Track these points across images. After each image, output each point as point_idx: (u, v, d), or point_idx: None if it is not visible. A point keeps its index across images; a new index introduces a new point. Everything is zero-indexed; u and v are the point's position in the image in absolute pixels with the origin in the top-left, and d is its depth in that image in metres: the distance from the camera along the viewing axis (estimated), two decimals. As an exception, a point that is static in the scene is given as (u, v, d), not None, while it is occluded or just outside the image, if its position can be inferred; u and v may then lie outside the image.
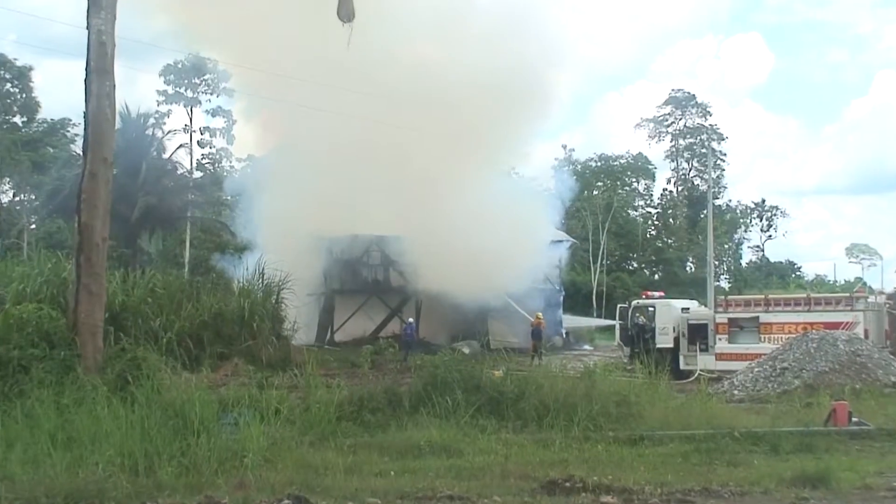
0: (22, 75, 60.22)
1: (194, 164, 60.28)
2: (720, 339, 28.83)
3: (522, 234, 38.88)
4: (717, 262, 66.94)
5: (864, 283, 56.97)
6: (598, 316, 57.04)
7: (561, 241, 46.42)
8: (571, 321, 47.14)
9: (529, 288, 40.13)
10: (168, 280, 26.80)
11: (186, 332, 23.34)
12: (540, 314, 35.85)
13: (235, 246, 42.05)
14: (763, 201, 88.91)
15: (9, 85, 60.47)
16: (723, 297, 33.46)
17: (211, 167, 62.98)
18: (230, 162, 64.60)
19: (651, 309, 31.50)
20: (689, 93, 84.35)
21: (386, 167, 38.79)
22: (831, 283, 72.22)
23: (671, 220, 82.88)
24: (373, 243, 42.24)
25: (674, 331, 30.00)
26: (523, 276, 39.26)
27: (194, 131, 60.91)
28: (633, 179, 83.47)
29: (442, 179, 38.01)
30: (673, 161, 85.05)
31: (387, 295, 42.97)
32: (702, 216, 76.66)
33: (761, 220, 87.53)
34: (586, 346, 44.96)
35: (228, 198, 48.98)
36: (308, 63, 37.34)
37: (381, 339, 38.84)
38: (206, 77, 60.03)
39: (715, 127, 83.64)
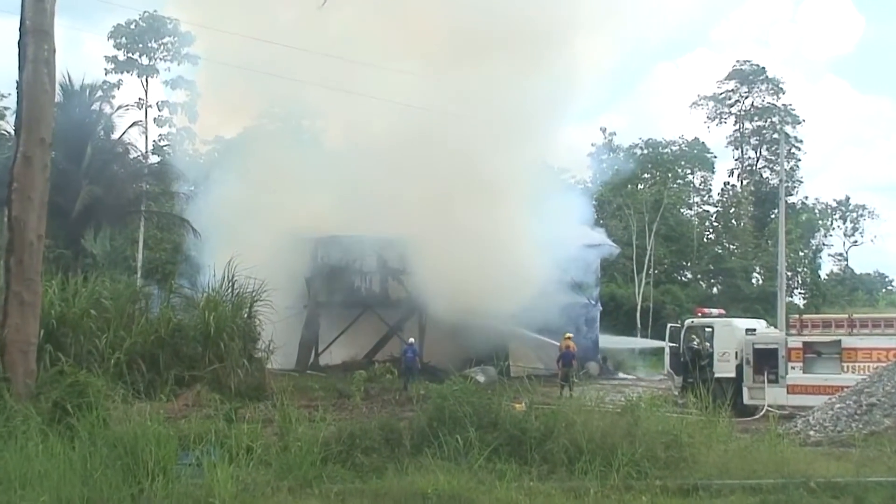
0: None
1: (150, 147, 60.60)
2: (793, 368, 28.71)
3: (550, 237, 38.90)
4: (789, 274, 66.83)
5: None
6: (643, 337, 57.00)
7: (597, 246, 46.43)
8: (610, 342, 47.12)
9: (558, 302, 40.15)
10: (117, 288, 26.95)
11: (139, 351, 23.44)
12: (570, 335, 35.84)
13: (198, 247, 42.18)
14: (847, 199, 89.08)
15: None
16: (797, 316, 33.35)
17: (170, 150, 63.14)
18: (193, 144, 64.92)
19: (708, 330, 31.41)
20: (757, 65, 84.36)
21: (386, 153, 38.93)
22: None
23: (734, 221, 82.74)
24: (368, 246, 42.32)
25: (736, 357, 29.91)
26: (551, 288, 39.29)
27: (150, 106, 61.34)
28: (688, 171, 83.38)
29: (452, 169, 38.11)
30: (737, 149, 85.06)
31: (384, 310, 43.04)
32: (772, 217, 76.53)
33: (845, 223, 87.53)
34: (628, 375, 44.91)
35: (192, 188, 49.11)
36: (291, 25, 37.58)
37: (376, 363, 38.90)
38: (164, 41, 60.36)
39: (789, 107, 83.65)
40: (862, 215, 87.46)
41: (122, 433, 12.82)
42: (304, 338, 41.75)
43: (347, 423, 16.54)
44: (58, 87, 23.70)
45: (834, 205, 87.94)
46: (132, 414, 14.62)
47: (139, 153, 52.20)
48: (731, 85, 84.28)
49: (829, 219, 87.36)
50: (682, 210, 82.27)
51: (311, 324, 42.13)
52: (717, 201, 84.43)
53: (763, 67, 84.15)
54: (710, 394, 18.88)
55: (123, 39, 59.87)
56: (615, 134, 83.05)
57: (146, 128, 59.53)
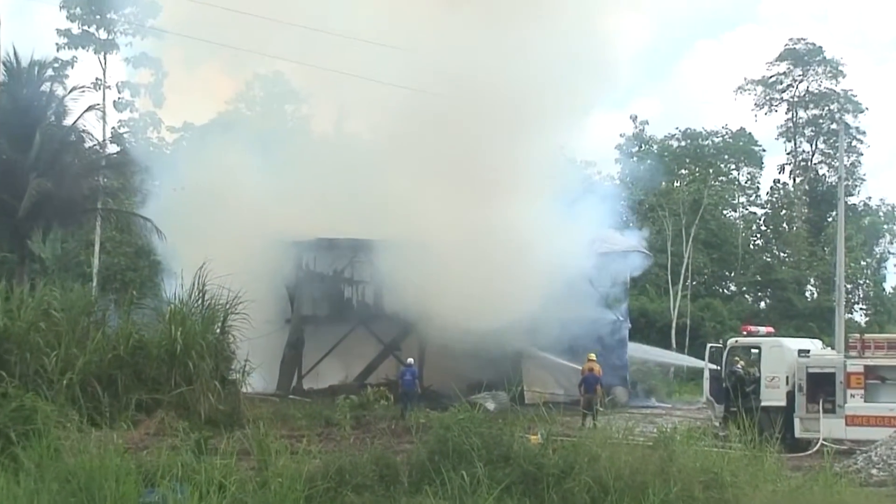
0: None
1: (108, 135, 60.59)
2: (853, 396, 28.67)
3: (571, 242, 38.93)
4: (849, 286, 66.67)
5: None
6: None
7: (627, 253, 46.42)
8: (639, 352, 47.05)
9: (580, 318, 40.18)
10: (69, 298, 26.92)
11: (94, 372, 23.45)
12: (593, 356, 35.83)
13: (164, 251, 42.28)
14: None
15: None
16: (857, 335, 33.28)
17: (132, 139, 63.21)
18: (159, 132, 65.05)
19: (754, 351, 31.45)
20: (813, 44, 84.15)
21: (382, 143, 39.02)
22: None
23: (785, 224, 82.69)
24: (361, 251, 42.37)
25: (786, 383, 29.92)
26: (572, 302, 39.33)
27: (109, 88, 61.37)
28: (732, 166, 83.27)
29: (459, 163, 38.18)
30: (789, 141, 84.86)
31: (379, 325, 43.07)
32: (829, 220, 76.42)
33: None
34: (661, 402, 44.90)
35: (156, 183, 49.17)
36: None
37: (369, 386, 38.90)
38: (125, 11, 60.41)
39: (850, 94, 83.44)
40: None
41: (76, 466, 12.87)
42: (286, 357, 41.78)
43: (336, 457, 16.56)
44: (1, 65, 23.71)
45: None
46: (87, 444, 14.66)
47: (96, 142, 51.91)
48: (783, 67, 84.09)
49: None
50: (724, 212, 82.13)
51: (295, 341, 42.16)
52: (766, 202, 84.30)
53: (820, 47, 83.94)
54: (757, 425, 18.87)
55: (78, 10, 59.73)
56: (648, 123, 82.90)
57: (104, 112, 59.33)
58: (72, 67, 59.52)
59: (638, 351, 46.93)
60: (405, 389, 34.81)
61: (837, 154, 70.30)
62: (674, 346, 63.41)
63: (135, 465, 13.81)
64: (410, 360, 37.39)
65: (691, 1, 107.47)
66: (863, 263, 79.10)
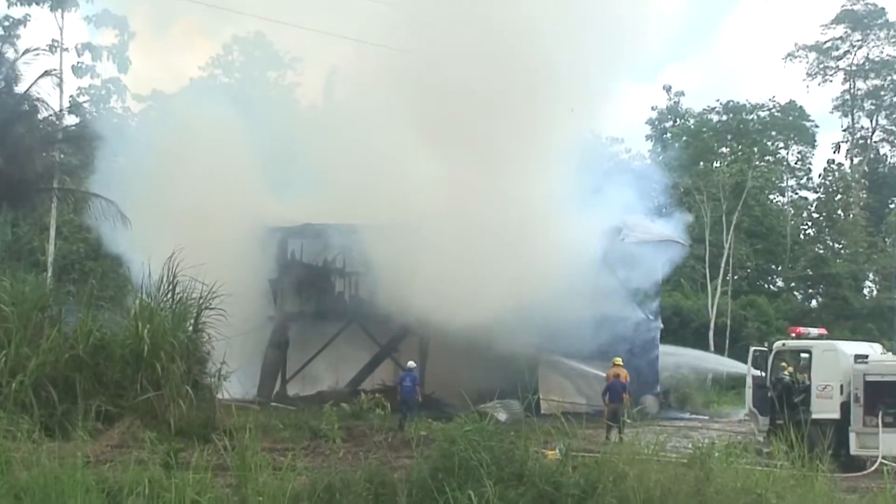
0: None
1: (66, 104, 60.64)
2: (918, 408, 28.72)
3: (594, 229, 38.92)
4: (914, 282, 66.62)
5: None
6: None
7: (659, 243, 46.38)
8: (675, 357, 47.05)
9: (604, 317, 40.22)
10: (21, 290, 26.95)
11: (49, 374, 23.47)
12: (619, 360, 35.87)
13: (129, 238, 42.27)
14: None
15: None
16: (923, 338, 33.33)
17: (93, 109, 63.27)
18: (124, 101, 65.08)
19: (804, 356, 31.40)
20: (874, 5, 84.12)
21: (379, 115, 38.97)
22: None
23: (840, 211, 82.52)
24: (354, 239, 42.35)
25: (841, 392, 29.85)
26: (594, 298, 39.39)
27: (67, 51, 61.37)
28: (780, 144, 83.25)
29: (466, 138, 38.17)
30: (846, 116, 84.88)
31: (375, 323, 43.12)
32: (891, 206, 76.41)
33: None
34: (697, 413, 44.92)
35: (120, 159, 49.19)
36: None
37: (362, 393, 38.98)
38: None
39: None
40: None
41: (28, 482, 12.90)
42: (269, 359, 41.84)
43: (324, 473, 16.60)
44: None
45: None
46: (40, 456, 14.68)
47: (51, 112, 52.13)
48: (840, 31, 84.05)
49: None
50: (771, 196, 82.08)
51: (278, 341, 42.21)
52: (819, 185, 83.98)
53: (882, 8, 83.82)
54: (806, 440, 18.88)
55: (31, -41, 59.87)
56: (683, 94, 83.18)
57: (61, 79, 59.44)
58: (24, 27, 59.62)
59: (670, 354, 46.88)
60: (405, 397, 34.80)
61: (901, 131, 70.24)
62: (712, 349, 63.32)
63: (95, 480, 13.83)
64: (411, 363, 37.26)
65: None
66: (930, 257, 79.21)
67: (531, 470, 15.82)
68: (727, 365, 51.33)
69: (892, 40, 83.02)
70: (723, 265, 69.67)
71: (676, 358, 48.03)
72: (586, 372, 40.19)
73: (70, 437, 19.67)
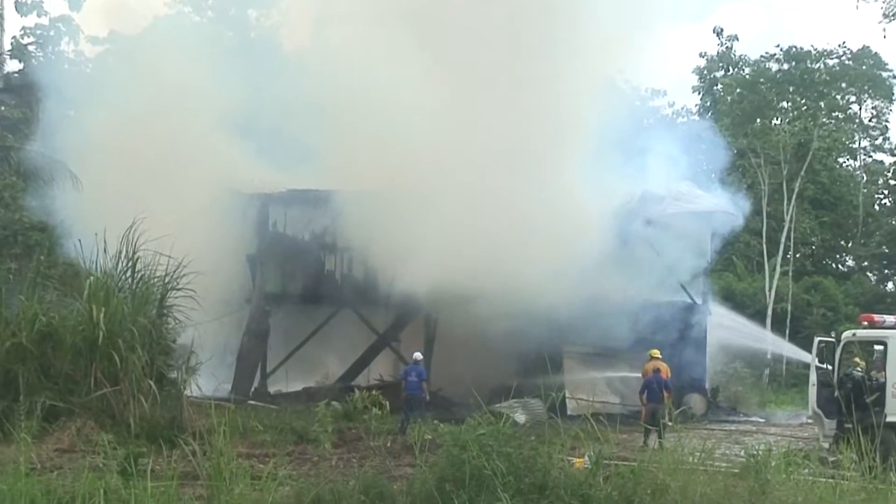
0: None
1: (8, 48, 60.64)
2: None
3: (630, 199, 38.88)
4: None
5: None
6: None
7: (708, 214, 46.26)
8: (731, 335, 47.03)
9: (643, 302, 40.16)
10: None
11: (-14, 366, 23.48)
12: (657, 352, 35.84)
13: (81, 205, 42.24)
14: None
15: None
16: None
17: (39, 54, 63.20)
18: (76, 44, 64.94)
19: (878, 347, 31.37)
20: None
21: (380, 65, 38.90)
22: None
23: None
24: (346, 208, 42.24)
25: (923, 391, 29.83)
26: (630, 279, 39.33)
27: (7, -16, 61.30)
28: (851, 98, 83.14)
29: (474, 91, 38.10)
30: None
31: (371, 308, 43.13)
32: (982, 171, 76.24)
33: None
34: (751, 415, 44.94)
35: (71, 112, 49.15)
36: None
37: (357, 390, 38.95)
38: None
39: None
40: None
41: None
42: (246, 350, 41.84)
43: (312, 483, 16.61)
44: None
45: None
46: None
47: (-9, 57, 52.33)
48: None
49: None
50: (840, 160, 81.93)
51: (256, 328, 42.20)
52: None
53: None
54: (879, 447, 18.80)
55: None
56: (737, 39, 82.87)
57: (2, 17, 59.57)
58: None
59: (717, 326, 46.52)
60: (409, 394, 34.97)
61: None
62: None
63: (41, 491, 13.80)
64: (418, 354, 37.28)
65: None
66: None
67: (555, 481, 15.85)
68: (790, 351, 51.25)
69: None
70: (783, 241, 69.77)
71: (727, 334, 47.72)
72: (618, 366, 40.10)
73: (11, 440, 19.65)
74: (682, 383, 39.63)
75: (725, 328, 47.96)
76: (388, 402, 34.94)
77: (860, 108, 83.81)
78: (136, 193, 37.01)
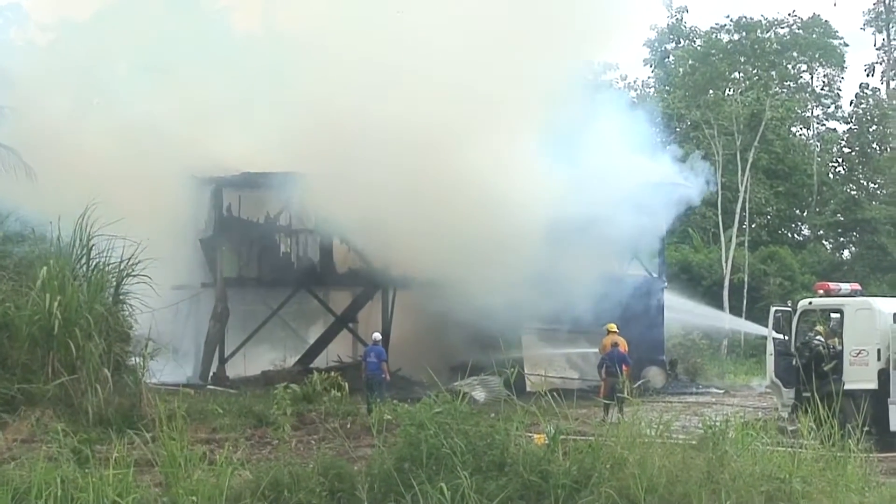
0: None
1: (-46, 35, 60.25)
2: (970, 377, 28.92)
3: (585, 172, 38.97)
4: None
5: None
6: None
7: (661, 186, 46.34)
8: (688, 317, 47.20)
9: (599, 277, 40.23)
10: None
11: (-62, 356, 23.39)
12: (614, 326, 35.94)
13: (33, 191, 42.04)
14: None
15: None
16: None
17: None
18: (26, 30, 64.52)
19: (835, 316, 31.54)
20: None
21: (333, 45, 38.87)
22: None
23: (875, 145, 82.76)
24: (302, 190, 42.17)
25: (878, 358, 29.99)
26: (586, 253, 39.42)
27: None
28: (803, 67, 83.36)
29: (429, 68, 38.09)
30: (880, 32, 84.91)
31: (329, 289, 43.04)
32: (934, 139, 76.59)
33: None
34: (709, 387, 45.15)
35: (22, 99, 48.80)
36: None
37: (315, 372, 38.95)
38: None
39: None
40: None
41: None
42: (212, 334, 41.62)
43: (271, 467, 16.60)
44: None
45: None
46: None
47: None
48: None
49: None
50: (793, 129, 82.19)
51: (216, 314, 42.07)
52: (850, 115, 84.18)
53: None
54: (838, 415, 18.93)
55: None
56: (687, 10, 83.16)
57: (-53, 3, 59.22)
58: None
59: (676, 311, 46.85)
60: (370, 374, 34.87)
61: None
62: (727, 310, 63.59)
63: (-2, 481, 13.79)
64: (377, 335, 37.38)
65: None
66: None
67: (514, 457, 15.88)
68: (746, 328, 51.57)
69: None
70: (738, 212, 69.98)
71: (684, 317, 48.12)
72: (577, 341, 40.28)
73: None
74: (641, 356, 39.78)
75: (684, 313, 48.35)
76: (347, 384, 35.05)
77: (812, 77, 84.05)
78: (90, 179, 36.83)
